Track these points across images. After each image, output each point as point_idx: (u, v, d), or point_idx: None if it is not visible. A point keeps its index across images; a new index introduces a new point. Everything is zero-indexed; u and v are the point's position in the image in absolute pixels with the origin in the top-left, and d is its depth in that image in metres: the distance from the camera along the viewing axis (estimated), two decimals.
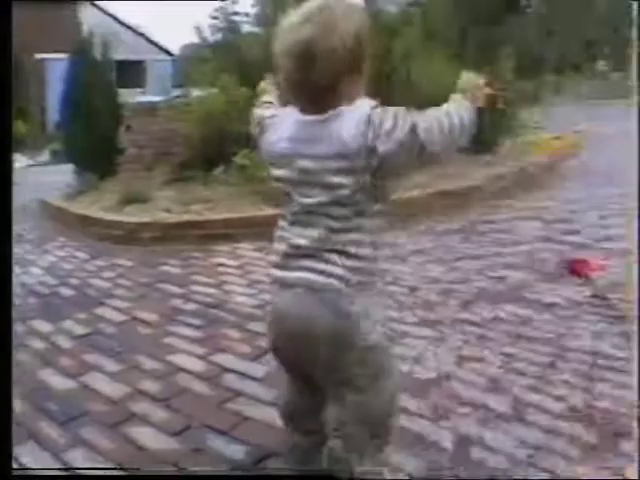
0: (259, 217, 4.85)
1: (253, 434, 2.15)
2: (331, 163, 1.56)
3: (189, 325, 3.16)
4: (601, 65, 24.27)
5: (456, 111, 1.63)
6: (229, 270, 4.09)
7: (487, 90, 1.77)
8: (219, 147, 6.37)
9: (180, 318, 3.26)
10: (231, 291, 3.65)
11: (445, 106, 1.65)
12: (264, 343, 2.85)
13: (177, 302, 3.51)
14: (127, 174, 6.85)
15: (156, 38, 28.37)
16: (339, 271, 1.59)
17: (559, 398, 2.33)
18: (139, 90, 18.41)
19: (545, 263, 3.85)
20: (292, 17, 1.59)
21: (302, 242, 1.63)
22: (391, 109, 1.55)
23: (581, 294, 3.30)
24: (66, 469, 2.05)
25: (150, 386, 2.53)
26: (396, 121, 1.53)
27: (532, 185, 5.90)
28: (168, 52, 27.78)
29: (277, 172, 1.69)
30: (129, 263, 4.39)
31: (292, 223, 1.67)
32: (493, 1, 9.19)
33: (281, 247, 1.69)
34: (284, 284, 1.67)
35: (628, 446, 2.02)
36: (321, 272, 1.60)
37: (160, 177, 6.59)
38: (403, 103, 1.72)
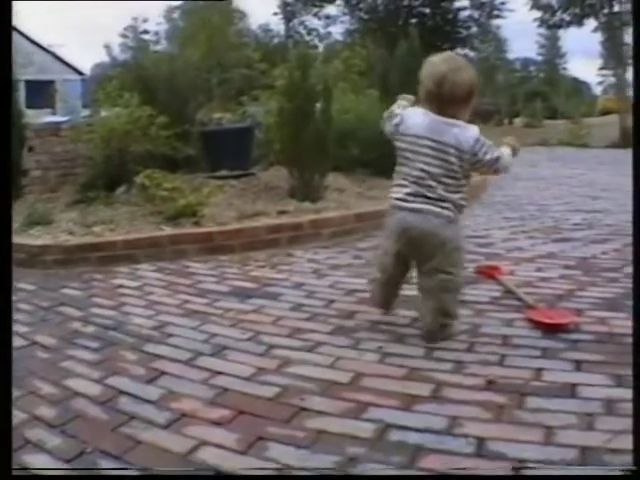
0: (159, 237, 4.75)
1: (145, 458, 2.08)
2: (449, 149, 2.71)
3: (87, 348, 3.04)
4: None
5: (510, 154, 2.92)
6: (128, 291, 3.99)
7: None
8: (121, 167, 6.22)
9: (79, 341, 3.14)
10: (130, 312, 3.56)
11: (506, 149, 2.90)
12: (159, 365, 2.80)
13: (76, 325, 3.39)
14: (32, 196, 6.62)
15: (70, 57, 27.56)
16: (452, 208, 2.77)
17: (474, 375, 2.52)
18: (49, 110, 17.81)
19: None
20: (434, 59, 2.80)
21: (426, 193, 2.75)
22: (488, 141, 2.76)
23: (494, 292, 3.62)
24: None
25: (46, 412, 2.42)
26: (489, 148, 2.75)
27: None
28: (78, 71, 27.04)
29: (407, 145, 2.82)
30: (30, 287, 4.21)
31: (413, 182, 2.78)
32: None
33: (405, 190, 2.80)
34: (412, 210, 2.77)
35: (531, 401, 2.29)
36: (442, 207, 2.74)
37: (64, 198, 6.39)
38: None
